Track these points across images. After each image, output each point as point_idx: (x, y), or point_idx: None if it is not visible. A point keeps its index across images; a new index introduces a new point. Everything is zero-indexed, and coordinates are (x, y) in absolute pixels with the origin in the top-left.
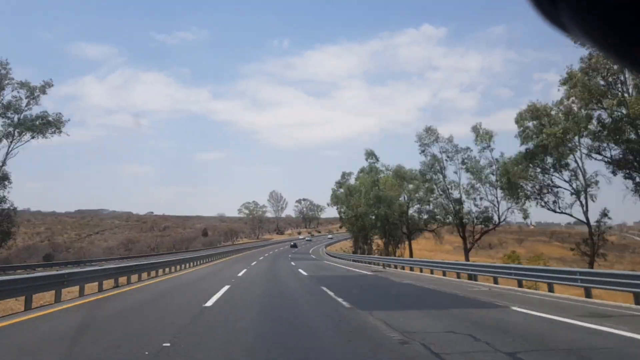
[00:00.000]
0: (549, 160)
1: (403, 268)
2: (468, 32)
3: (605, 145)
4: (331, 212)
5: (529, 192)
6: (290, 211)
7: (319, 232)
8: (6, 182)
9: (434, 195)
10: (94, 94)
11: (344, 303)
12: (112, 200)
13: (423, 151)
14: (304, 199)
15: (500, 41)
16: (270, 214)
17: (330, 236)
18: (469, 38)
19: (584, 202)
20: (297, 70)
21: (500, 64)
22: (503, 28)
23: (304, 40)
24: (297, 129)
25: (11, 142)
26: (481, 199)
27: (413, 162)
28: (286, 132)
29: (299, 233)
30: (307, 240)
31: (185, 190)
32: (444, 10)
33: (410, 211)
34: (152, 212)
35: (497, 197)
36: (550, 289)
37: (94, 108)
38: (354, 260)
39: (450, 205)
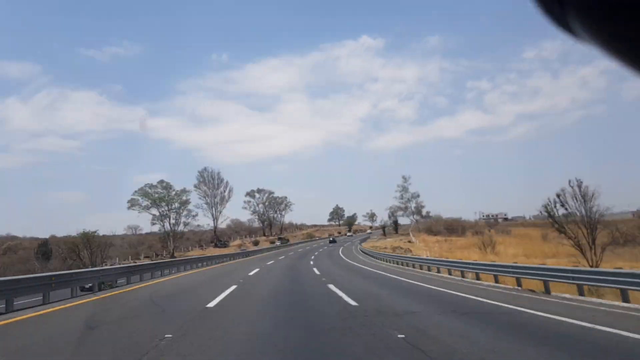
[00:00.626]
0: None
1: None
2: (405, 43)
3: None
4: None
5: None
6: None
7: (287, 240)
8: None
9: None
10: (18, 116)
11: None
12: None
13: None
14: (258, 190)
15: (435, 51)
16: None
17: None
18: (406, 49)
19: None
20: (238, 84)
21: (435, 73)
22: (437, 38)
23: (243, 54)
24: (241, 145)
25: None
26: None
27: (356, 171)
28: (230, 148)
29: (272, 242)
30: (348, 235)
31: (120, 217)
32: (381, 21)
33: None
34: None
35: None
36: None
37: (18, 132)
38: None
39: None
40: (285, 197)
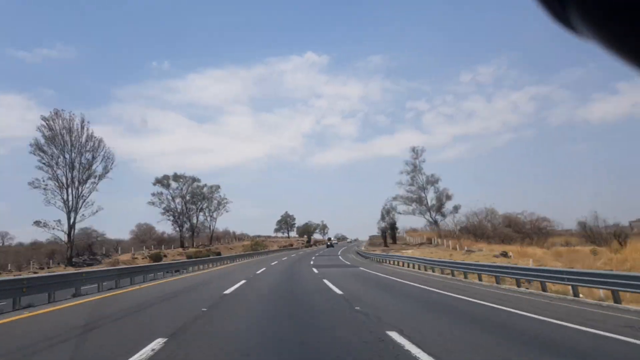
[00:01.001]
0: None
1: None
2: (348, 61)
3: None
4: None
5: None
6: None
7: (218, 254)
8: None
9: None
10: None
11: None
12: None
13: None
14: (176, 177)
15: (378, 71)
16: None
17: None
18: (350, 67)
19: None
20: (180, 94)
21: (377, 92)
22: (380, 58)
23: (186, 63)
24: (182, 156)
25: None
26: None
27: (301, 186)
28: (170, 159)
29: (189, 256)
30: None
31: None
32: (326, 38)
33: None
34: None
35: None
36: None
37: None
38: None
39: None
40: (218, 187)
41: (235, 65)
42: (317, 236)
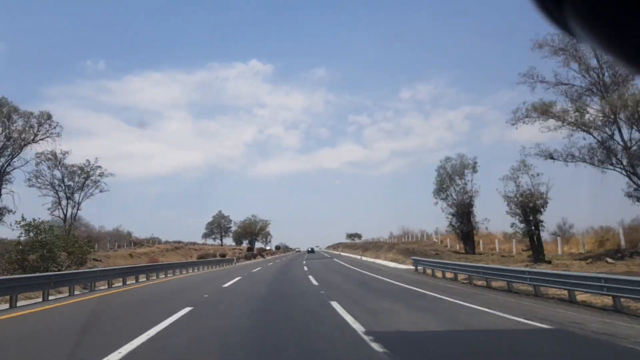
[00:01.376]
0: None
1: None
2: (293, 71)
3: None
4: None
5: None
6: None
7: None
8: None
9: None
10: None
11: None
12: None
13: None
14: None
15: (322, 83)
16: None
17: None
18: (294, 77)
19: None
20: (115, 96)
21: (320, 104)
22: (324, 70)
23: (123, 64)
24: (115, 162)
25: None
26: None
27: (241, 196)
28: (103, 164)
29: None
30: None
31: None
32: (272, 47)
33: None
34: None
35: None
36: None
37: None
38: None
39: None
40: (99, 167)
41: (175, 69)
42: (258, 244)
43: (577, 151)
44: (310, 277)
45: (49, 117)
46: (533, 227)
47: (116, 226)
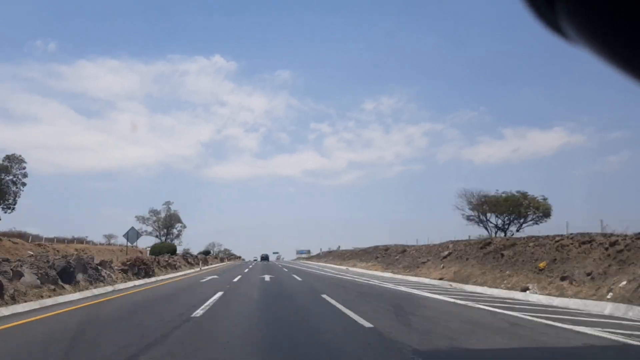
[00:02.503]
0: None
1: None
2: (256, 71)
3: None
4: None
5: None
6: None
7: None
8: None
9: None
10: None
11: None
12: None
13: None
14: None
15: (285, 86)
16: None
17: None
18: (257, 78)
19: None
20: (65, 81)
21: (282, 108)
22: (289, 73)
23: (76, 47)
24: (61, 153)
25: None
26: None
27: (193, 198)
28: (47, 155)
29: None
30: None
31: None
32: (237, 44)
33: None
34: None
35: None
36: None
37: None
38: None
39: None
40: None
41: (133, 57)
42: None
43: None
44: None
45: None
46: None
47: None
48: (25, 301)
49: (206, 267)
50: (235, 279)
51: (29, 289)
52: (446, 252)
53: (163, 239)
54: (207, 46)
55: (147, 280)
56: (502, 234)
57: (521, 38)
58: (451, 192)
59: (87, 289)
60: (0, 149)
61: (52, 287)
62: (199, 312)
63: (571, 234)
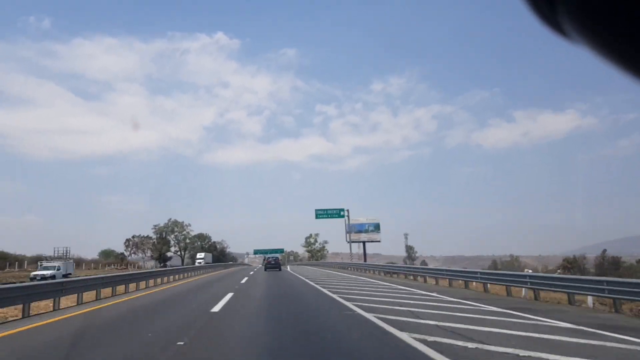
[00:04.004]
0: None
1: None
2: (261, 49)
3: None
4: None
5: None
6: None
7: None
8: None
9: None
10: None
11: None
12: None
13: None
14: None
15: (291, 66)
16: None
17: None
18: (261, 57)
19: None
20: (61, 61)
21: (287, 90)
22: (295, 52)
23: (72, 24)
24: (59, 136)
25: None
26: None
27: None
28: (45, 139)
29: None
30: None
31: None
32: (240, 20)
33: None
34: None
35: None
36: None
37: None
38: None
39: None
40: None
41: (130, 34)
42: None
43: None
44: None
45: None
46: None
47: None
48: None
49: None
50: None
51: None
52: None
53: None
54: (209, 22)
55: None
56: None
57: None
58: (459, 177)
59: None
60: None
61: None
62: None
63: None
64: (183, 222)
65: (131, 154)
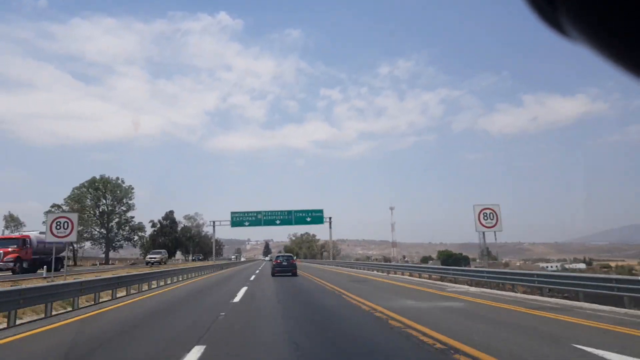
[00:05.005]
0: None
1: None
2: (265, 30)
3: None
4: None
5: None
6: None
7: None
8: None
9: None
10: None
11: None
12: None
13: None
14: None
15: (295, 48)
16: None
17: None
18: (265, 38)
19: None
20: (59, 42)
21: (291, 73)
22: (299, 33)
23: (69, 3)
24: (59, 122)
25: None
26: None
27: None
28: (44, 124)
29: None
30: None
31: None
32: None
33: None
34: None
35: None
36: None
37: None
38: None
39: None
40: None
41: (130, 14)
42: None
43: None
44: None
45: None
46: None
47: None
48: None
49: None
50: None
51: None
52: None
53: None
54: (212, 1)
55: None
56: None
57: None
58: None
59: None
60: None
61: None
62: None
63: None
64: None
65: (132, 140)
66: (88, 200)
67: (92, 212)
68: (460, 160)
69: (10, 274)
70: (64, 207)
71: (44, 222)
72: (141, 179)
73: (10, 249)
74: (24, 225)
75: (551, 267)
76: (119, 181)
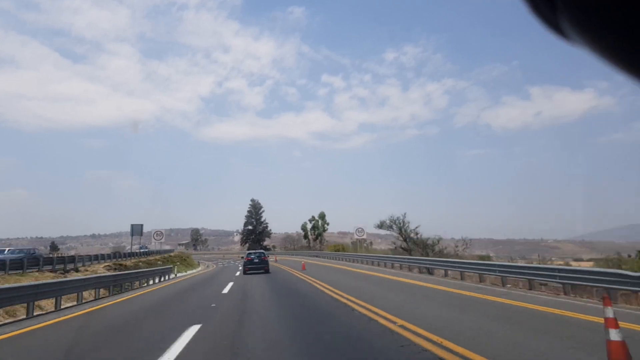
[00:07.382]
0: None
1: None
2: (265, 7)
3: None
4: None
5: None
6: None
7: None
8: None
9: None
10: None
11: None
12: None
13: None
14: None
15: (297, 28)
16: None
17: None
18: (266, 16)
19: None
20: (44, 14)
21: (292, 57)
22: (303, 12)
23: None
24: (47, 104)
25: None
26: None
27: (189, 163)
28: (31, 106)
29: None
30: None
31: None
32: None
33: None
34: None
35: None
36: None
37: None
38: None
39: None
40: None
41: None
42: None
43: None
44: None
45: None
46: None
47: None
48: None
49: None
50: None
51: None
52: None
53: None
54: None
55: None
56: None
57: None
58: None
59: None
60: None
61: None
62: None
63: None
64: None
65: (125, 125)
66: None
67: None
68: (460, 156)
69: None
70: None
71: None
72: (127, 167)
73: None
74: None
75: None
76: None
